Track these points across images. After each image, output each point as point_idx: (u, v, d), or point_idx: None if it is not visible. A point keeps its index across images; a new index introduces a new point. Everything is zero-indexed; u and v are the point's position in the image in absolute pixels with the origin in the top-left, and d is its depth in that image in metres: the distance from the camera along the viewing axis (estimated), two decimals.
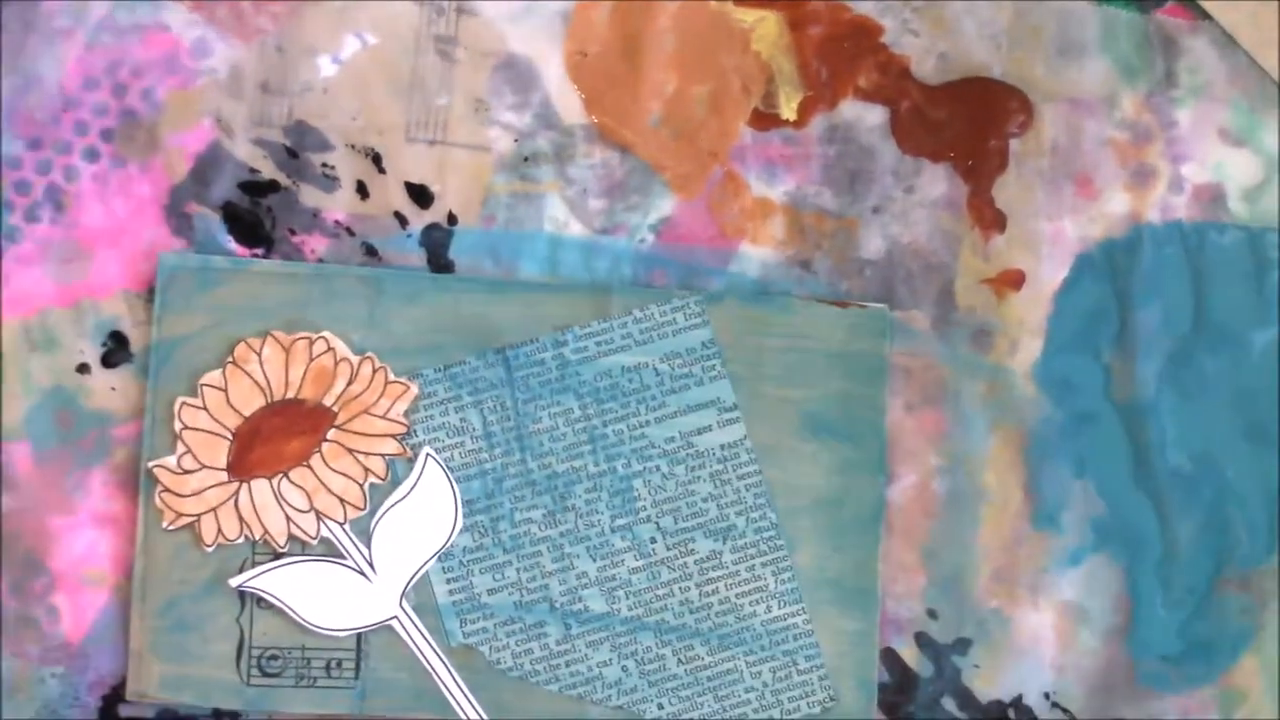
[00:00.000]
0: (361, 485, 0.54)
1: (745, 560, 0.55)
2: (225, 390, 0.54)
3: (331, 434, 0.54)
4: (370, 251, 0.56)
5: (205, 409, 0.53)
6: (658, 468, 0.55)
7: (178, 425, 0.53)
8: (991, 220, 0.57)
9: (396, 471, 0.54)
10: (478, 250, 0.56)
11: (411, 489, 0.54)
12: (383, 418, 0.54)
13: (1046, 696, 0.56)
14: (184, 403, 0.53)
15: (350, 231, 0.56)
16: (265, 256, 0.55)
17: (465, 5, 0.56)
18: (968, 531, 0.56)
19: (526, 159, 0.56)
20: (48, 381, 0.55)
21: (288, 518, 0.53)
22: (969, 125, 0.57)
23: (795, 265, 0.56)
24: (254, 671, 0.54)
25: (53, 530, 0.55)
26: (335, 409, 0.54)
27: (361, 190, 0.56)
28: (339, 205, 0.56)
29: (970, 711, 0.56)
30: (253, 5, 0.56)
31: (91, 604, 0.55)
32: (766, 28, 0.57)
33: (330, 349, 0.54)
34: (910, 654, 0.56)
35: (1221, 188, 0.57)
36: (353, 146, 0.56)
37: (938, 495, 0.56)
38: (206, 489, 0.53)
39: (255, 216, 0.56)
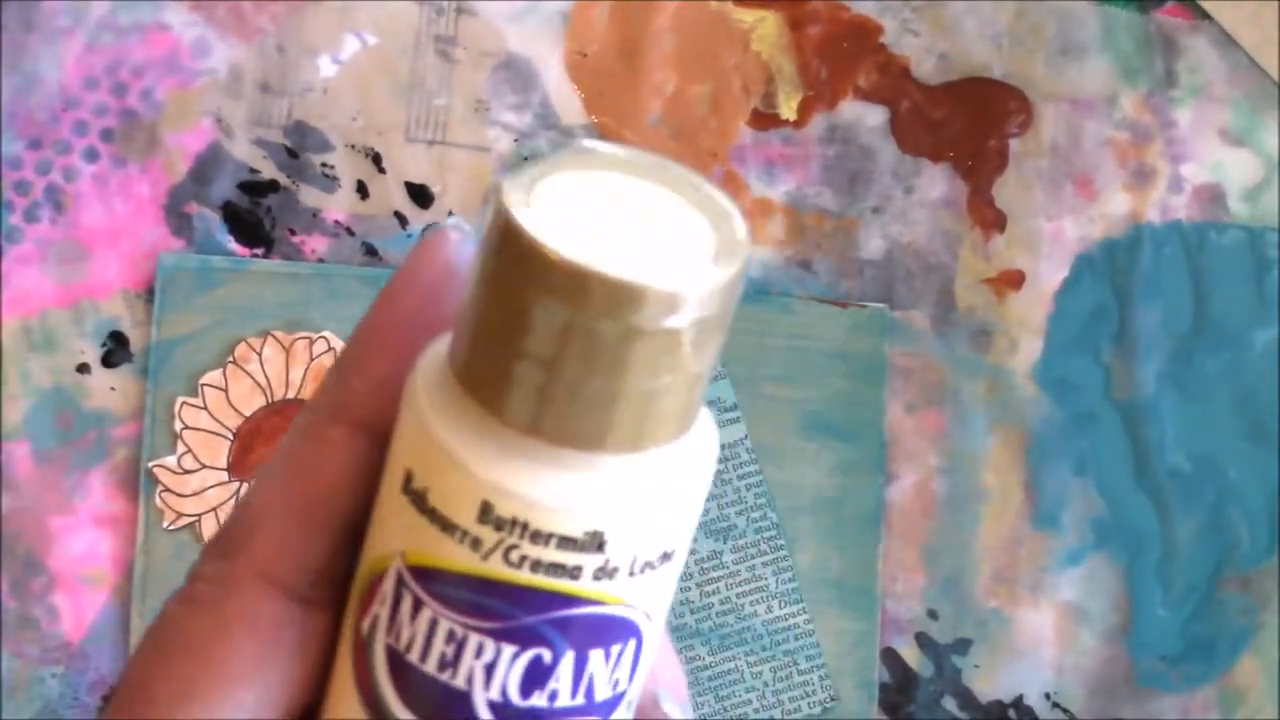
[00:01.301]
0: None
1: (746, 560, 0.55)
2: (226, 390, 0.53)
3: None
4: (370, 251, 0.56)
5: (206, 409, 0.53)
6: None
7: (178, 425, 0.53)
8: (991, 220, 0.57)
9: None
10: None
11: None
12: None
13: (1047, 696, 0.56)
14: (184, 402, 0.53)
15: (350, 231, 0.56)
16: (265, 256, 0.55)
17: (465, 5, 0.56)
18: (968, 531, 0.56)
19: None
20: (48, 381, 0.55)
21: None
22: (969, 125, 0.57)
23: (795, 265, 0.56)
24: None
25: (53, 530, 0.55)
26: None
27: (361, 190, 0.56)
28: (339, 205, 0.56)
29: (971, 711, 0.56)
30: (253, 5, 0.56)
31: (91, 604, 0.55)
32: (766, 28, 0.57)
33: (331, 349, 0.54)
34: (911, 654, 0.56)
35: (1221, 188, 0.57)
36: (353, 146, 0.56)
37: (938, 495, 0.56)
38: (207, 489, 0.53)
39: (255, 216, 0.56)
